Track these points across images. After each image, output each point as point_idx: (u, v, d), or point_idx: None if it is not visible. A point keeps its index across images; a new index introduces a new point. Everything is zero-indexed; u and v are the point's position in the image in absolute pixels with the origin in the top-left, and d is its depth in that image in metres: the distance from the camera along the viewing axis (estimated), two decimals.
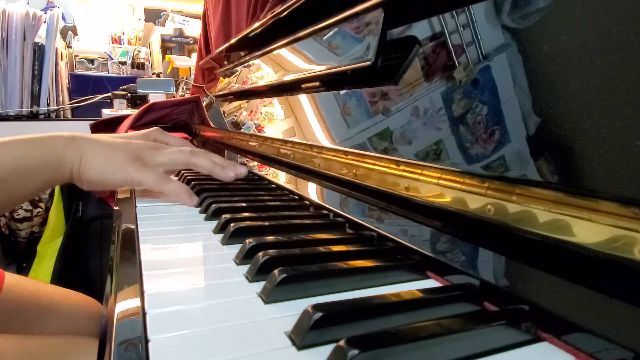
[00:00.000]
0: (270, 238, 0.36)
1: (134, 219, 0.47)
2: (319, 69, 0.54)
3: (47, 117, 1.65)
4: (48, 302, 0.70)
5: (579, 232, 0.22)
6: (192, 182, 0.62)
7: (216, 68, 1.29)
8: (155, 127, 0.72)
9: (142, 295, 0.28)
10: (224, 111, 1.01)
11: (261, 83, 0.75)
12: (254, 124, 0.77)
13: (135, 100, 1.75)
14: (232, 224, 0.39)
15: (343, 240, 0.38)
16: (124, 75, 2.01)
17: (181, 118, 1.32)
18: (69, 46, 1.96)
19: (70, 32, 2.05)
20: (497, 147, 0.28)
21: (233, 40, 0.95)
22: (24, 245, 1.55)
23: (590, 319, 0.21)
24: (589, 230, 0.22)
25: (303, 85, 0.62)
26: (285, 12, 0.65)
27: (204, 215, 0.49)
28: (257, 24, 0.78)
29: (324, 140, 0.51)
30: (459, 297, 0.27)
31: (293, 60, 0.65)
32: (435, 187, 0.33)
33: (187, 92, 1.70)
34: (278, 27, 0.70)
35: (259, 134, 0.73)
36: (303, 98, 0.60)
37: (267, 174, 0.67)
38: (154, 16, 2.66)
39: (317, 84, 0.58)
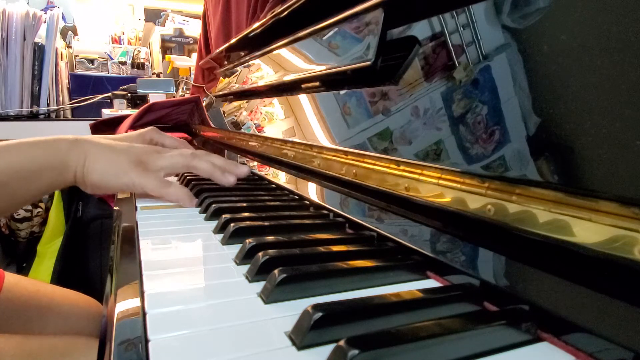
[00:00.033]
0: (270, 238, 0.36)
1: (134, 218, 0.47)
2: (319, 69, 0.54)
3: (47, 117, 1.64)
4: (48, 302, 0.70)
5: (579, 232, 0.22)
6: (192, 183, 0.62)
7: (216, 68, 1.29)
8: (151, 127, 0.72)
9: (142, 295, 0.28)
10: (224, 111, 1.01)
11: (261, 83, 0.75)
12: (254, 124, 0.77)
13: (135, 100, 1.75)
14: (232, 224, 0.39)
15: (343, 240, 0.38)
16: (124, 75, 2.01)
17: (181, 118, 1.32)
18: (69, 46, 1.96)
19: (70, 32, 2.05)
20: (497, 147, 0.28)
21: (233, 40, 0.95)
22: (24, 245, 1.55)
23: (590, 319, 0.21)
24: (589, 230, 0.22)
25: (303, 85, 0.62)
26: (285, 12, 0.65)
27: (204, 215, 0.49)
28: (257, 24, 0.78)
29: (324, 140, 0.51)
30: (459, 297, 0.27)
31: (293, 60, 0.65)
32: (435, 187, 0.33)
33: (187, 92, 1.70)
34: (278, 27, 0.70)
35: (259, 134, 0.73)
36: (303, 98, 0.60)
37: (267, 174, 0.67)
38: (154, 16, 2.66)
39: (317, 84, 0.58)
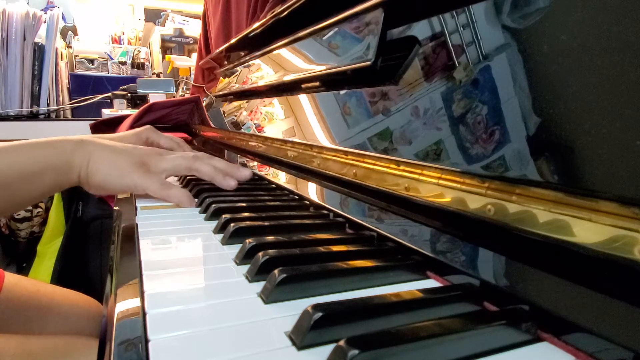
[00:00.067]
0: (270, 238, 0.36)
1: (134, 219, 0.47)
2: (319, 69, 0.54)
3: (47, 117, 1.64)
4: (48, 302, 0.70)
5: (579, 232, 0.22)
6: (192, 183, 0.62)
7: (216, 68, 1.29)
8: (147, 126, 0.73)
9: (142, 295, 0.28)
10: (224, 111, 1.01)
11: (261, 83, 0.75)
12: (254, 124, 0.77)
13: (135, 100, 1.75)
14: (232, 224, 0.39)
15: (343, 240, 0.38)
16: (124, 75, 2.01)
17: (181, 118, 1.32)
18: (69, 46, 1.96)
19: (70, 32, 2.05)
20: (497, 147, 0.28)
21: (233, 40, 0.95)
22: (24, 245, 1.55)
23: (590, 319, 0.21)
24: (589, 230, 0.22)
25: (303, 85, 0.62)
26: (285, 12, 0.65)
27: (204, 215, 0.49)
28: (257, 24, 0.78)
29: (324, 140, 0.51)
30: (459, 297, 0.27)
31: (293, 60, 0.65)
32: (435, 187, 0.33)
33: (187, 92, 1.70)
34: (278, 27, 0.70)
35: (259, 134, 0.73)
36: (303, 98, 0.60)
37: (267, 174, 0.67)
38: (154, 16, 2.66)
39: (317, 84, 0.58)
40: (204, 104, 1.22)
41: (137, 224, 0.44)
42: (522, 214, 0.26)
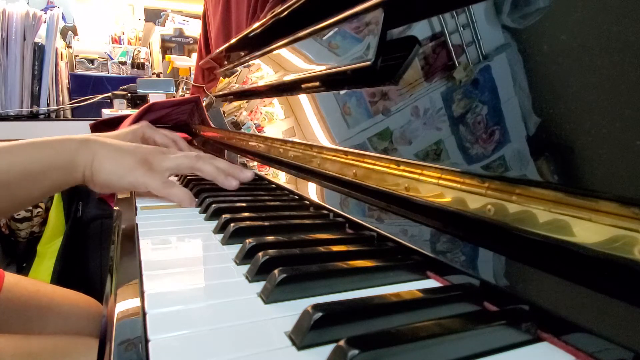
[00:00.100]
0: (270, 238, 0.36)
1: (133, 219, 0.47)
2: (319, 69, 0.54)
3: (47, 117, 1.64)
4: (48, 302, 0.70)
5: (579, 232, 0.22)
6: (192, 182, 0.62)
7: (216, 68, 1.29)
8: (144, 122, 0.73)
9: (142, 295, 0.28)
10: (224, 111, 1.01)
11: (261, 83, 0.75)
12: (254, 124, 0.77)
13: (135, 100, 1.75)
14: (232, 224, 0.39)
15: (343, 240, 0.38)
16: (124, 75, 2.01)
17: (181, 118, 1.32)
18: (69, 46, 1.96)
19: (70, 32, 2.05)
20: (497, 147, 0.28)
21: (233, 40, 0.95)
22: (24, 245, 1.55)
23: (590, 319, 0.21)
24: (589, 230, 0.22)
25: (303, 85, 0.62)
26: (285, 12, 0.65)
27: (204, 215, 0.49)
28: (257, 24, 0.78)
29: (324, 140, 0.51)
30: (459, 297, 0.27)
31: (293, 60, 0.65)
32: (435, 187, 0.33)
33: (187, 92, 1.70)
34: (278, 27, 0.70)
35: (259, 134, 0.73)
36: (303, 98, 0.60)
37: (267, 174, 0.67)
38: (154, 16, 2.66)
39: (317, 84, 0.58)
40: (204, 104, 1.22)
41: (137, 224, 0.44)
42: (522, 214, 0.26)
